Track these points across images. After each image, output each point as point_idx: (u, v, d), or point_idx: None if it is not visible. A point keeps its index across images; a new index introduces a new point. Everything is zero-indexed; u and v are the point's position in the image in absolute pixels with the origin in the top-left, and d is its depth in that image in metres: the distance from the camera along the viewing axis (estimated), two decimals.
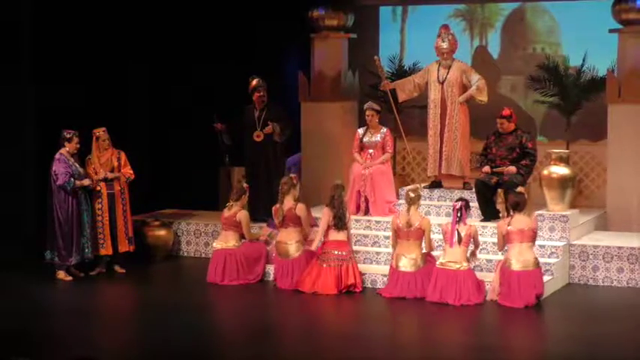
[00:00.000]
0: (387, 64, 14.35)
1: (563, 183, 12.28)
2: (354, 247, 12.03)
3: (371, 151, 13.05)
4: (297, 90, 14.46)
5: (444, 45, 12.94)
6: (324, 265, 11.59)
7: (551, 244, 11.91)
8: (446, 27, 13.06)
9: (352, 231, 12.08)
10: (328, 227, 11.69)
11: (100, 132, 12.47)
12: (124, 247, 12.56)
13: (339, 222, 11.68)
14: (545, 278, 11.31)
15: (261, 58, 14.38)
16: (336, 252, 11.62)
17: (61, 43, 13.51)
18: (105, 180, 12.43)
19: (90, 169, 12.44)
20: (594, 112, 13.52)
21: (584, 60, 13.56)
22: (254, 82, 13.21)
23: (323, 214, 11.75)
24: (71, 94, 13.52)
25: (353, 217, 12.40)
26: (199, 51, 14.61)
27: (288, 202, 11.92)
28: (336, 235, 11.67)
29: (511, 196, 11.35)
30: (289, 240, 11.88)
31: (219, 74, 14.53)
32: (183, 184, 14.50)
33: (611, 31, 13.21)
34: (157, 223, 13.42)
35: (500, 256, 11.47)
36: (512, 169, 12.27)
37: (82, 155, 12.46)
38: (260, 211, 12.91)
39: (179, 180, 14.53)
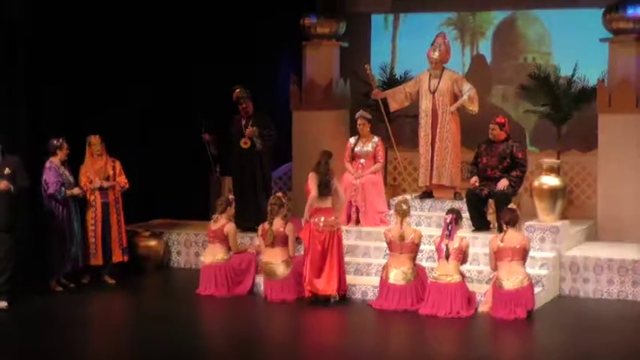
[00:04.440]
0: (379, 73, 14.36)
1: (553, 193, 12.29)
2: (346, 258, 12.01)
3: (362, 160, 13.06)
4: (288, 98, 14.47)
5: (435, 55, 12.95)
6: (318, 228, 11.52)
7: (542, 256, 11.92)
8: (443, 36, 13.07)
9: (343, 241, 12.03)
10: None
11: (93, 138, 12.46)
12: (118, 257, 12.56)
13: (325, 188, 11.59)
14: (536, 290, 11.32)
15: (253, 66, 14.37)
16: (323, 218, 11.55)
17: (57, 51, 13.50)
18: (100, 189, 12.41)
19: (84, 177, 12.41)
20: (585, 122, 13.54)
21: (574, 70, 13.56)
22: (235, 93, 13.21)
23: (310, 178, 11.66)
24: (65, 102, 13.51)
25: (344, 227, 12.36)
26: (192, 60, 14.58)
27: (277, 222, 11.91)
28: (323, 203, 11.61)
29: (504, 213, 11.36)
30: (276, 260, 11.86)
31: (211, 82, 14.50)
32: (174, 194, 14.47)
33: (602, 40, 13.23)
34: (147, 233, 13.43)
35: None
36: (505, 182, 12.28)
37: (73, 163, 12.44)
38: (247, 219, 12.94)
39: (170, 190, 14.50)
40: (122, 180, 12.56)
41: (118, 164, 12.60)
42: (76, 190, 12.26)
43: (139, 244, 13.28)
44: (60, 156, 12.24)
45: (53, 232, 12.15)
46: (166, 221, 14.28)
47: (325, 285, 11.57)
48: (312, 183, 11.65)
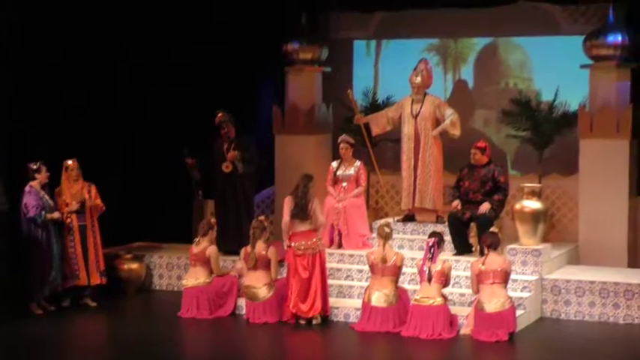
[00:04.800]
0: (361, 98, 14.41)
1: (535, 217, 12.32)
2: (328, 281, 11.98)
3: (344, 184, 13.08)
4: (271, 122, 14.50)
5: (417, 80, 13.03)
6: (299, 253, 11.53)
7: (524, 279, 11.94)
8: (425, 61, 13.14)
9: (326, 264, 12.00)
10: (292, 219, 11.59)
11: (70, 163, 12.45)
12: (96, 279, 12.51)
13: (301, 212, 11.57)
14: (518, 312, 11.32)
15: (236, 90, 14.40)
16: (304, 242, 11.54)
17: (39, 74, 13.49)
18: (78, 211, 12.37)
19: (60, 200, 12.38)
20: (566, 146, 13.62)
21: (556, 95, 13.64)
22: (217, 117, 13.25)
23: (285, 203, 11.68)
24: (46, 125, 13.48)
25: (327, 250, 12.34)
26: (175, 84, 14.60)
27: (260, 245, 11.89)
28: (300, 227, 11.61)
29: (486, 236, 11.39)
30: (258, 284, 11.83)
31: (193, 106, 14.50)
32: (157, 217, 14.43)
33: (582, 66, 13.33)
34: (129, 256, 13.37)
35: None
36: (487, 205, 12.32)
37: (52, 187, 12.40)
38: (229, 242, 12.92)
39: (152, 213, 14.46)
40: (98, 203, 12.55)
41: (93, 188, 12.58)
42: (56, 214, 12.23)
43: (121, 266, 13.22)
44: (40, 180, 12.21)
45: (33, 256, 12.10)
46: (148, 244, 14.23)
47: (309, 307, 11.55)
48: (285, 207, 11.67)
